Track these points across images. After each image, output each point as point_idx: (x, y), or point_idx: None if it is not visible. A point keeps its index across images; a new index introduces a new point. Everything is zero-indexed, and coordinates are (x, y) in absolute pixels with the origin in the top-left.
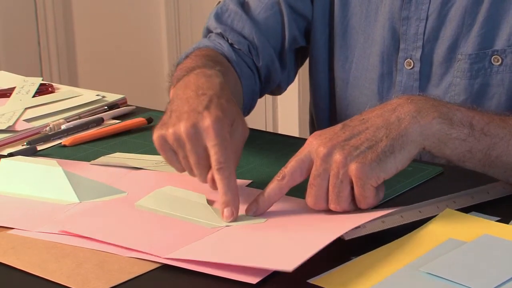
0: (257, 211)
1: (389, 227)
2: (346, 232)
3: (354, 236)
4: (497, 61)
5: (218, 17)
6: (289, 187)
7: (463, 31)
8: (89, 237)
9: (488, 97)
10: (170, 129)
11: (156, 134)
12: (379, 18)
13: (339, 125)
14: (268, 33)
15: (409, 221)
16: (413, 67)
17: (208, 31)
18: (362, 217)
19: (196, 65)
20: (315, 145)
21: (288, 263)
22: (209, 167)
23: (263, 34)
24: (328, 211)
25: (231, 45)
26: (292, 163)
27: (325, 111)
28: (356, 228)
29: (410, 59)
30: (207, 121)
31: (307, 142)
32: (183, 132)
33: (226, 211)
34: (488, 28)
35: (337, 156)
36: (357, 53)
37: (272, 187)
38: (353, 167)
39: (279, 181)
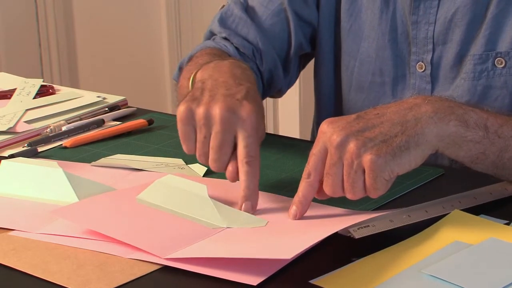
0: (298, 214)
1: (397, 226)
2: (356, 231)
3: (364, 235)
4: (501, 63)
5: (223, 21)
6: (318, 181)
7: (473, 35)
8: (90, 237)
9: (491, 99)
10: (203, 106)
11: (184, 106)
12: (389, 22)
13: (352, 116)
14: (273, 39)
15: (416, 221)
16: (424, 70)
17: (212, 34)
18: (365, 217)
19: (214, 60)
20: (329, 133)
21: (286, 252)
22: (229, 155)
23: (268, 40)
24: (332, 215)
25: (236, 49)
26: (313, 158)
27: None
28: (366, 227)
29: (422, 62)
30: (246, 111)
31: (320, 131)
32: (218, 114)
33: (245, 205)
34: (492, 30)
35: (351, 146)
36: (359, 57)
37: (303, 187)
38: (367, 158)
39: (307, 180)
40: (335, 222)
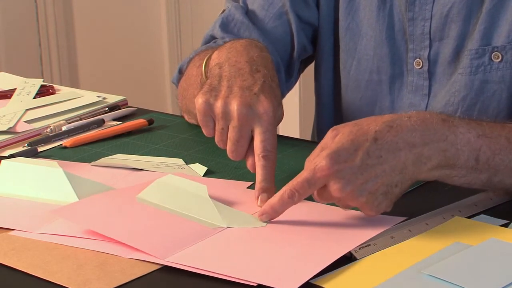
0: (269, 219)
1: (398, 242)
2: (357, 251)
3: (366, 255)
4: (497, 58)
5: (224, 26)
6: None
7: (469, 30)
8: (90, 237)
9: (488, 94)
10: (220, 100)
11: (202, 98)
12: (386, 20)
13: (356, 158)
14: (276, 43)
15: (417, 235)
16: (422, 66)
17: (213, 39)
18: (368, 232)
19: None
20: (332, 182)
21: (288, 283)
22: (246, 147)
23: (271, 43)
24: (331, 214)
25: None
26: (305, 184)
27: (330, 119)
28: (367, 246)
29: (419, 58)
30: (263, 107)
31: (321, 166)
32: (235, 110)
33: (262, 196)
34: (487, 25)
35: (354, 202)
36: (357, 55)
37: (285, 202)
38: (366, 212)
39: (291, 200)
40: (336, 241)
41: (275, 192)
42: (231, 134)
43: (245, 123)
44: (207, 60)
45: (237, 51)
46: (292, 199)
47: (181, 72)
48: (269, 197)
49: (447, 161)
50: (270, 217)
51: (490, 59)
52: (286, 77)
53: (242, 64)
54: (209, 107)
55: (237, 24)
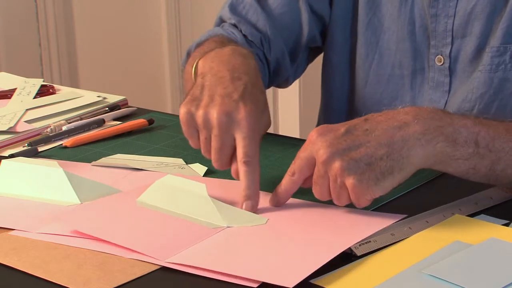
0: (277, 203)
1: (398, 239)
2: (358, 248)
3: (365, 252)
4: None
5: (233, 7)
6: (302, 180)
7: (492, 28)
8: (91, 237)
9: (507, 92)
10: (201, 109)
11: (184, 109)
12: (408, 15)
13: (342, 128)
14: (282, 28)
15: (418, 232)
16: (443, 63)
17: (221, 21)
18: (368, 229)
19: (216, 47)
20: (316, 146)
21: (289, 279)
22: (229, 155)
23: (277, 29)
24: (330, 214)
25: (244, 36)
26: (299, 161)
27: (342, 114)
28: (367, 242)
29: (441, 55)
30: (241, 113)
31: (309, 140)
32: (215, 118)
33: (246, 205)
34: (510, 23)
35: (336, 165)
36: (379, 50)
37: (287, 182)
38: (350, 182)
39: (291, 177)
40: (337, 237)
41: (259, 199)
42: (213, 142)
43: (225, 131)
44: (195, 66)
45: (220, 60)
46: (288, 173)
47: (188, 55)
48: (253, 205)
49: (446, 137)
50: (280, 198)
51: (511, 57)
52: (291, 63)
53: (224, 73)
54: (191, 117)
55: (246, 7)
